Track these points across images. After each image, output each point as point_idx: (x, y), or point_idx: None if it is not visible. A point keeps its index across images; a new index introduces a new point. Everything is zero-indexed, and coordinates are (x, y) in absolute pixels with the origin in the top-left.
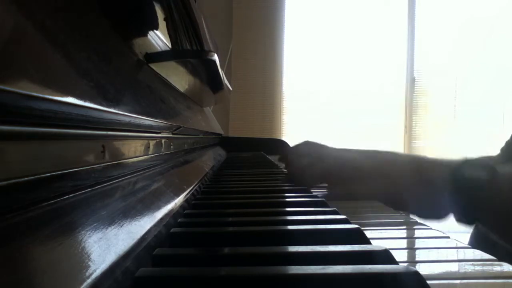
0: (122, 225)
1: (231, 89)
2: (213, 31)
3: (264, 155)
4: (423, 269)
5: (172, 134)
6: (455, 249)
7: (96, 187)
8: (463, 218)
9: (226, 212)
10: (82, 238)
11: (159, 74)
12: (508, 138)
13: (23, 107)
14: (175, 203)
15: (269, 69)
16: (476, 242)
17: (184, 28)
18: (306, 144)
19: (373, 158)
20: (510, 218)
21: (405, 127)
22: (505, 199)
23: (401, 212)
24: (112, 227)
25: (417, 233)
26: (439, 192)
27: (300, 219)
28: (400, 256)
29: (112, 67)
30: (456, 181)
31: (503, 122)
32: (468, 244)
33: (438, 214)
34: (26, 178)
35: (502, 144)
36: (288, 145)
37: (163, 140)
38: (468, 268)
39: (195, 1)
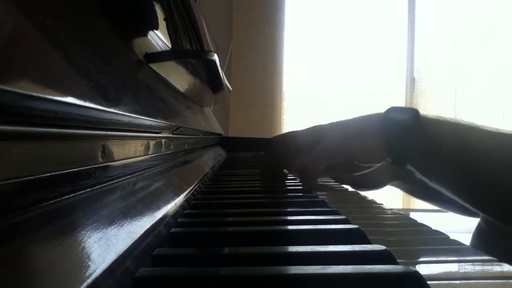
0: (122, 225)
1: (231, 89)
2: (213, 31)
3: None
4: (423, 269)
5: (172, 134)
6: (455, 249)
7: (96, 187)
8: (397, 163)
9: (226, 212)
10: (82, 238)
11: (159, 74)
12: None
13: (23, 107)
14: (175, 203)
15: (269, 69)
16: (477, 242)
17: (184, 28)
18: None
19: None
20: (432, 160)
21: None
22: (428, 139)
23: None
24: (112, 227)
25: (417, 233)
26: (373, 138)
27: (300, 219)
28: (400, 256)
29: (112, 67)
30: (384, 125)
31: (503, 122)
32: (469, 244)
33: (379, 161)
34: (26, 178)
35: None
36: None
37: (163, 140)
38: (468, 268)
39: (195, 1)
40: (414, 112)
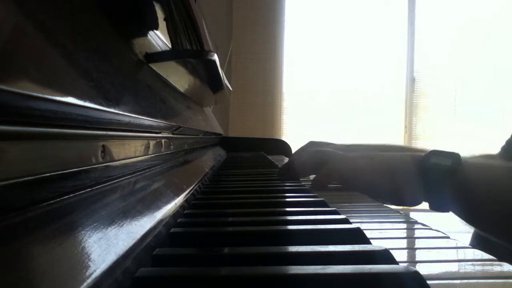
0: (122, 225)
1: (231, 89)
2: (213, 31)
3: (264, 155)
4: (423, 269)
5: (172, 134)
6: (455, 249)
7: (96, 187)
8: (435, 206)
9: (226, 212)
10: (82, 238)
11: (159, 74)
12: (508, 137)
13: (23, 107)
14: (175, 203)
15: (269, 69)
16: (477, 242)
17: (184, 28)
18: (310, 143)
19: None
20: (477, 206)
21: (405, 127)
22: (471, 187)
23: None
24: (112, 227)
25: (417, 233)
26: (411, 182)
27: (300, 219)
28: (400, 256)
29: (112, 67)
30: (424, 170)
31: (503, 122)
32: (469, 244)
33: (413, 202)
34: (26, 178)
35: (503, 143)
36: (288, 146)
37: (163, 140)
38: (468, 268)
39: (195, 1)
40: (457, 158)
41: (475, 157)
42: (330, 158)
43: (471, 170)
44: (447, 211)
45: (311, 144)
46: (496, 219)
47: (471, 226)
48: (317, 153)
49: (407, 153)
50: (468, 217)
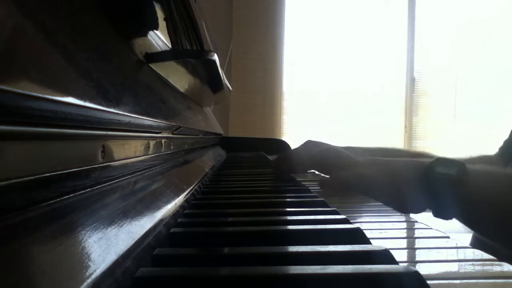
0: (122, 225)
1: (231, 89)
2: (213, 31)
3: (264, 155)
4: (423, 269)
5: (172, 134)
6: (455, 249)
7: (96, 187)
8: (439, 214)
9: (226, 212)
10: (82, 238)
11: (159, 74)
12: (507, 137)
13: (23, 107)
14: (175, 203)
15: (269, 69)
16: (477, 243)
17: (184, 28)
18: (309, 142)
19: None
20: (482, 215)
21: (405, 127)
22: (476, 197)
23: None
24: (112, 227)
25: (417, 233)
26: (415, 190)
27: (300, 219)
28: (400, 256)
29: (112, 67)
30: (429, 179)
31: (503, 122)
32: (470, 245)
33: (417, 209)
34: (26, 178)
35: (502, 143)
36: (288, 146)
37: (163, 140)
38: (468, 268)
39: (195, 1)
40: (462, 168)
41: (479, 165)
42: (335, 159)
43: (477, 180)
44: (451, 218)
45: (309, 143)
46: (501, 228)
47: (476, 233)
48: (325, 151)
49: (411, 159)
50: (472, 226)
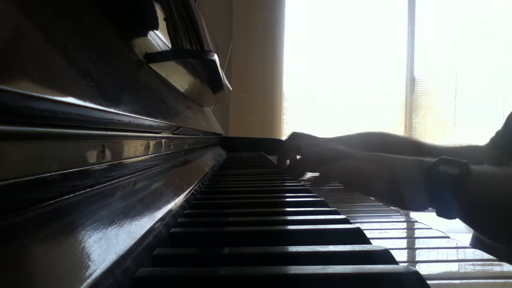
0: (122, 225)
1: (231, 89)
2: (213, 31)
3: (264, 155)
4: (423, 269)
5: (172, 134)
6: (455, 249)
7: (96, 187)
8: (442, 214)
9: (226, 212)
10: (82, 238)
11: (159, 74)
12: (499, 128)
13: (23, 107)
14: (175, 203)
15: (269, 69)
16: (478, 243)
17: (184, 28)
18: (294, 134)
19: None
20: (485, 215)
21: (405, 127)
22: (479, 196)
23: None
24: (112, 227)
25: (417, 233)
26: (417, 189)
27: (300, 219)
28: (400, 256)
29: (112, 67)
30: (432, 178)
31: (503, 122)
32: (470, 245)
33: (418, 208)
34: (26, 178)
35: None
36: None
37: (163, 140)
38: (468, 268)
39: (195, 1)
40: (465, 167)
41: (483, 165)
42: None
43: (480, 179)
44: (454, 218)
45: (295, 135)
46: (504, 229)
47: (478, 233)
48: (330, 151)
49: (413, 158)
50: (475, 226)
